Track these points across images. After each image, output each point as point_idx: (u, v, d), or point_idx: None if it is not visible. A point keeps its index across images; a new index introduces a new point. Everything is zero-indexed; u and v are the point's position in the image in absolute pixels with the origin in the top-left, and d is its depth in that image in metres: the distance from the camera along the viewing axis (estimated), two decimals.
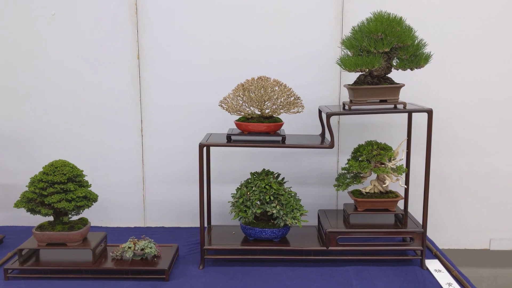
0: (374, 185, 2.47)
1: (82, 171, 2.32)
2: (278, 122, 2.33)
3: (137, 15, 2.73)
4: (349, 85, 2.33)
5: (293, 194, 2.44)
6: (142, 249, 2.28)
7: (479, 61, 2.75)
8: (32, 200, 2.24)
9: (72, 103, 2.82)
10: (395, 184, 2.49)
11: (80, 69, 2.79)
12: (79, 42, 2.77)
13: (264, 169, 2.48)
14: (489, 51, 2.75)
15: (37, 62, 2.79)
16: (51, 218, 2.63)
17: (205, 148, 2.41)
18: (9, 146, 2.87)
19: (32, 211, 2.25)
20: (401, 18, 2.20)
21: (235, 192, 2.43)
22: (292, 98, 2.33)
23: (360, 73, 2.29)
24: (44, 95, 2.82)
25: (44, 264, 2.27)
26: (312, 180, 2.89)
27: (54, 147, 2.85)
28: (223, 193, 2.78)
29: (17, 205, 2.25)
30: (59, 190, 2.21)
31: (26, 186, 2.27)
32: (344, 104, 2.37)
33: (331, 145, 2.27)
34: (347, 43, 2.26)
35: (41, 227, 2.28)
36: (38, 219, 2.51)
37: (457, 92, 2.78)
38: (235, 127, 2.42)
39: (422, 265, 2.34)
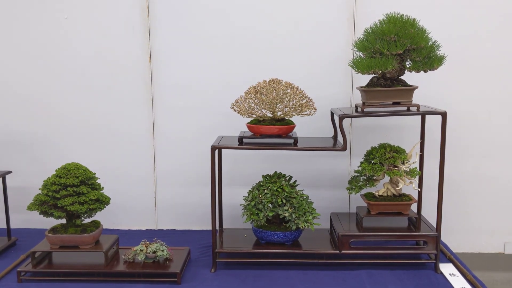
0: (387, 188, 2.45)
1: (94, 174, 2.33)
2: (290, 125, 2.32)
3: (149, 18, 2.74)
4: (362, 87, 2.31)
5: (305, 197, 2.43)
6: (154, 252, 2.28)
7: (494, 63, 2.72)
8: (45, 202, 2.25)
9: (84, 106, 2.84)
10: (408, 187, 2.47)
11: (92, 72, 2.80)
12: (91, 46, 2.78)
13: (276, 172, 2.47)
14: (504, 53, 2.71)
15: (49, 66, 2.81)
16: (63, 221, 2.64)
17: (216, 151, 2.40)
18: (22, 149, 2.89)
19: (45, 213, 2.26)
20: (414, 19, 2.19)
21: (247, 195, 2.43)
22: (304, 101, 2.32)
23: (373, 75, 2.28)
24: (56, 98, 2.84)
25: (57, 266, 2.27)
26: (324, 183, 2.87)
27: (67, 150, 2.87)
28: (234, 195, 2.77)
29: (30, 207, 2.27)
30: (72, 192, 2.22)
31: (39, 189, 2.28)
32: (356, 107, 2.36)
33: (344, 148, 2.25)
34: (360, 45, 2.25)
35: (54, 229, 2.29)
36: (51, 222, 2.52)
37: (472, 95, 2.75)
38: (246, 129, 2.41)
39: (436, 269, 2.32)
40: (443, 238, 2.72)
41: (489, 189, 2.85)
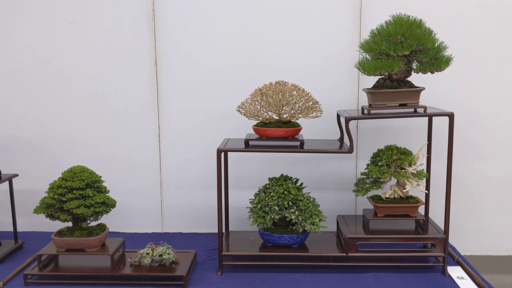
0: (394, 190, 2.43)
1: (100, 176, 2.33)
2: (296, 127, 2.31)
3: (155, 21, 2.74)
4: (368, 89, 2.30)
5: (311, 200, 2.41)
6: (160, 255, 2.28)
7: (501, 64, 2.70)
8: (51, 206, 2.26)
9: (90, 108, 2.84)
10: (415, 189, 2.45)
11: (98, 75, 2.81)
12: (97, 48, 2.79)
13: (282, 174, 2.46)
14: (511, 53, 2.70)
15: (56, 69, 2.82)
16: (70, 224, 2.65)
17: (223, 153, 2.40)
18: (28, 152, 2.90)
19: (51, 216, 2.26)
20: (421, 20, 2.17)
21: (253, 198, 2.42)
22: (311, 103, 2.31)
23: (379, 76, 2.27)
24: (62, 101, 2.84)
25: (63, 269, 2.28)
26: (330, 185, 2.86)
27: (73, 153, 2.87)
28: (240, 198, 2.77)
29: (36, 211, 2.27)
30: (78, 196, 2.22)
31: (45, 192, 2.29)
32: (363, 108, 2.34)
33: (350, 150, 2.24)
34: (366, 46, 2.24)
35: (60, 232, 2.29)
36: (57, 225, 2.52)
37: (479, 96, 2.73)
38: (252, 132, 2.40)
39: (444, 272, 2.30)
40: (451, 240, 2.70)
41: (499, 191, 2.82)
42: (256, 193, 2.43)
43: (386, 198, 2.42)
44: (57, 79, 2.83)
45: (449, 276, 2.29)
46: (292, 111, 2.29)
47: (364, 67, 2.19)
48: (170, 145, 2.86)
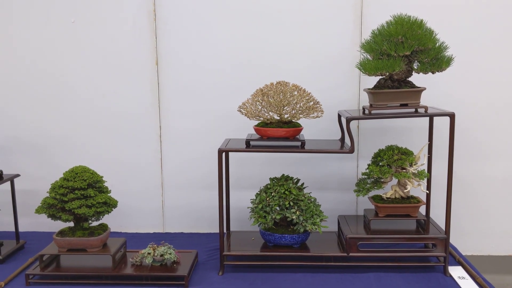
0: (395, 190, 2.43)
1: (102, 177, 2.34)
2: (297, 127, 2.31)
3: (156, 22, 2.75)
4: (369, 89, 2.31)
5: (312, 200, 2.42)
6: (162, 255, 2.28)
7: (502, 63, 2.70)
8: (53, 206, 2.26)
9: (91, 109, 2.85)
10: (416, 189, 2.45)
11: (99, 76, 2.81)
12: (98, 49, 2.79)
13: (283, 175, 2.46)
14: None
15: (57, 70, 2.82)
16: (71, 224, 2.65)
17: (224, 154, 2.40)
18: (30, 153, 2.90)
19: (53, 216, 2.27)
20: (422, 20, 2.18)
21: (254, 198, 2.42)
22: (312, 103, 2.31)
23: (380, 77, 2.27)
24: (64, 102, 2.85)
25: (65, 269, 2.28)
26: (331, 186, 2.86)
27: (75, 153, 2.88)
28: (241, 198, 2.77)
29: (38, 211, 2.27)
30: (80, 196, 2.23)
31: (47, 192, 2.29)
32: (364, 109, 2.35)
33: (351, 150, 2.24)
34: (367, 46, 2.24)
35: (61, 232, 2.30)
36: (58, 225, 2.52)
37: (480, 96, 2.73)
38: (253, 132, 2.41)
39: (445, 272, 2.30)
40: (453, 240, 2.70)
41: (501, 190, 2.82)
42: (257, 193, 2.43)
43: (387, 198, 2.43)
44: (58, 79, 2.83)
45: (450, 276, 2.29)
46: (293, 111, 2.30)
47: (365, 67, 2.19)
48: (171, 146, 2.87)
